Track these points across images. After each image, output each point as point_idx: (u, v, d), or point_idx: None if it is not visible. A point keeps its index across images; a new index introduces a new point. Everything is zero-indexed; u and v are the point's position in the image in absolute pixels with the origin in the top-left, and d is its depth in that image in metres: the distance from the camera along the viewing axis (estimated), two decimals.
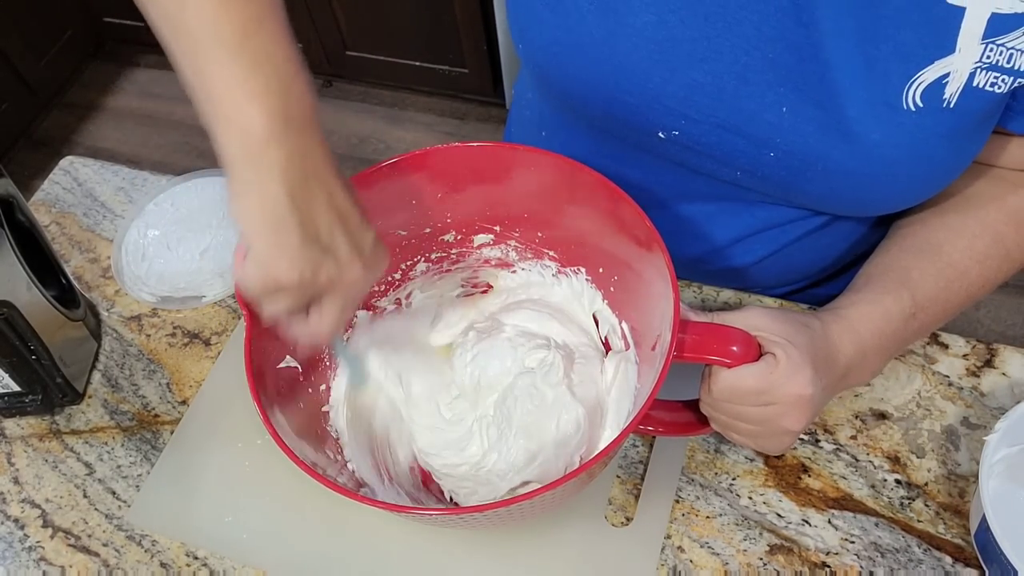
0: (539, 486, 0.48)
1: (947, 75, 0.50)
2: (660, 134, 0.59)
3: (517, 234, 0.66)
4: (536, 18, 0.58)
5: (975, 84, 0.50)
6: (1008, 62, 0.49)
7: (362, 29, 2.00)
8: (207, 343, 0.76)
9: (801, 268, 0.74)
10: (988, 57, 0.49)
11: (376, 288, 0.67)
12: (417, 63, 2.03)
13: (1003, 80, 0.49)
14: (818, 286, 0.78)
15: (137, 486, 0.68)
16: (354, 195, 0.49)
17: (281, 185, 0.44)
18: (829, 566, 0.60)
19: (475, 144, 0.60)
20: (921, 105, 0.51)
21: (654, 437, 0.65)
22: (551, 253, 0.67)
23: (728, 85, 0.55)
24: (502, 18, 1.80)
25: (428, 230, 0.65)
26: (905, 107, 0.52)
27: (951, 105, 0.51)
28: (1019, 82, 0.49)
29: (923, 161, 0.54)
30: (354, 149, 2.10)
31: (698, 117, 0.57)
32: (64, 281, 0.73)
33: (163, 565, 0.64)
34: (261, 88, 0.44)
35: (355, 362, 0.64)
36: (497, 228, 0.66)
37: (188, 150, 2.12)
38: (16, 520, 0.67)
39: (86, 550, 0.65)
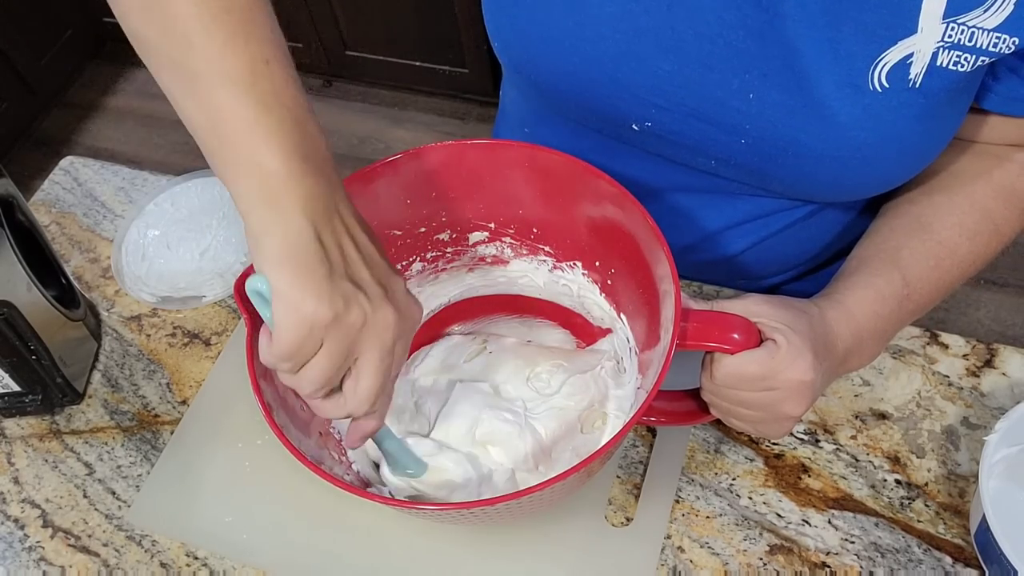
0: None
1: (911, 55, 0.50)
2: (634, 125, 0.60)
3: (512, 231, 0.66)
4: (507, 13, 0.59)
5: (939, 63, 0.51)
6: (970, 40, 0.49)
7: (362, 29, 2.00)
8: (207, 343, 0.76)
9: (787, 258, 0.74)
10: (950, 36, 0.49)
11: None
12: (417, 63, 2.03)
13: (966, 59, 0.50)
14: (803, 279, 0.78)
15: (137, 486, 0.68)
16: (378, 242, 0.47)
17: (304, 219, 0.42)
18: (829, 566, 0.60)
19: (468, 142, 0.60)
20: (887, 85, 0.52)
21: (654, 437, 0.65)
22: (546, 248, 0.67)
23: (694, 73, 0.55)
24: None
25: (423, 229, 0.65)
26: (871, 88, 0.52)
27: (917, 85, 0.52)
28: (982, 60, 0.50)
29: (892, 142, 0.54)
30: (354, 149, 2.10)
31: (668, 106, 0.58)
32: (64, 281, 0.73)
33: (163, 565, 0.64)
34: (275, 127, 0.42)
35: (405, 452, 0.58)
36: (492, 225, 0.66)
37: (188, 150, 2.12)
38: (16, 520, 0.67)
39: (86, 550, 0.65)
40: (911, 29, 0.50)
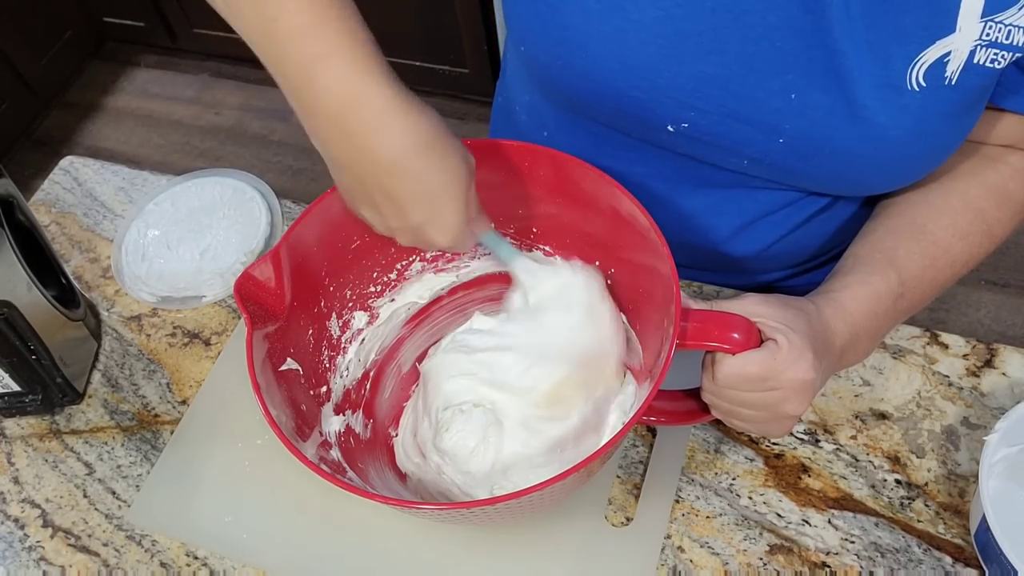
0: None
1: (948, 54, 0.51)
2: (669, 127, 0.60)
3: (512, 230, 0.66)
4: (539, 19, 0.59)
5: (976, 61, 0.51)
6: (1007, 38, 0.50)
7: None
8: (207, 343, 0.76)
9: (800, 252, 0.75)
10: (987, 35, 0.50)
11: (372, 289, 0.67)
12: (417, 63, 2.03)
13: (1003, 56, 0.51)
14: (811, 272, 0.78)
15: (137, 486, 0.68)
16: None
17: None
18: (829, 566, 0.60)
19: (468, 141, 0.60)
20: (924, 85, 0.52)
21: (654, 437, 0.65)
22: (546, 248, 0.67)
23: (736, 75, 0.55)
24: (502, 18, 1.80)
25: None
26: (909, 88, 0.52)
27: (953, 83, 0.52)
28: (1016, 57, 0.51)
29: (926, 139, 0.55)
30: None
31: (707, 108, 0.57)
32: (64, 281, 0.73)
33: (163, 565, 0.64)
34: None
35: (502, 243, 0.62)
36: (492, 225, 0.66)
37: (188, 150, 2.12)
38: (16, 520, 0.67)
39: (86, 550, 0.65)
40: (949, 29, 0.50)
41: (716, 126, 0.58)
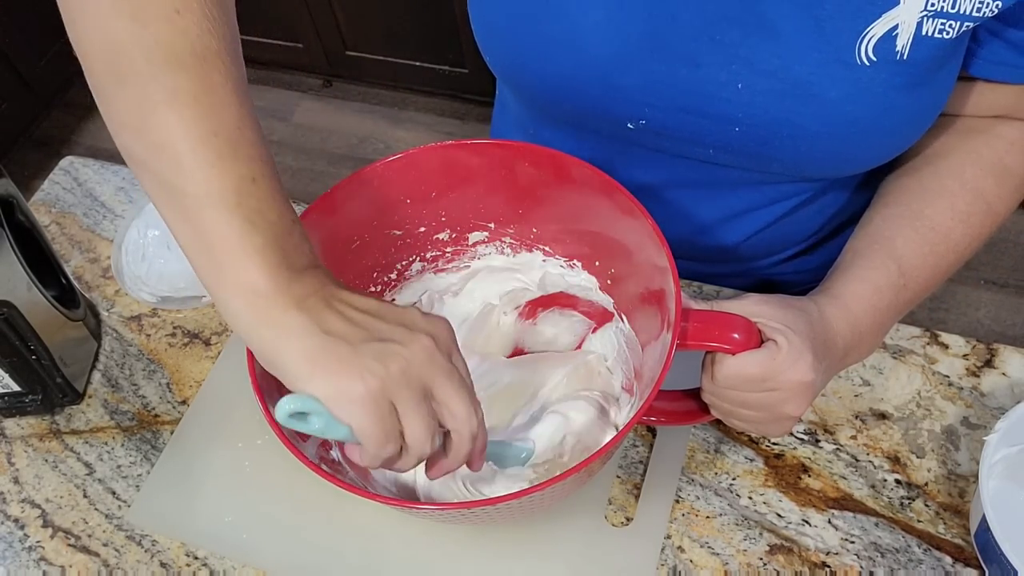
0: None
1: (896, 27, 0.51)
2: (629, 124, 0.61)
3: (512, 230, 0.67)
4: (495, 28, 0.60)
5: (924, 32, 0.51)
6: (953, 7, 0.50)
7: (362, 29, 2.00)
8: (207, 343, 0.76)
9: (788, 239, 0.75)
10: (933, 4, 0.50)
11: (372, 288, 0.67)
12: (417, 63, 2.03)
13: (951, 26, 0.50)
14: (808, 253, 0.78)
15: (137, 486, 0.68)
16: (370, 295, 0.47)
17: (303, 321, 0.43)
18: (829, 566, 0.60)
19: (468, 141, 0.60)
20: (875, 59, 0.52)
21: (654, 437, 0.65)
22: (546, 248, 0.67)
23: (681, 72, 0.56)
24: None
25: (423, 229, 0.66)
26: (859, 62, 0.53)
27: (904, 56, 0.52)
28: (967, 26, 0.50)
29: (885, 114, 0.55)
30: (354, 149, 2.10)
31: (660, 105, 0.58)
32: (64, 281, 0.73)
33: (163, 565, 0.64)
34: (260, 244, 0.42)
35: (508, 446, 0.58)
36: (491, 225, 0.66)
37: None
38: (16, 520, 0.67)
39: (86, 550, 0.65)
40: (894, 1, 0.50)
41: (672, 121, 0.59)
